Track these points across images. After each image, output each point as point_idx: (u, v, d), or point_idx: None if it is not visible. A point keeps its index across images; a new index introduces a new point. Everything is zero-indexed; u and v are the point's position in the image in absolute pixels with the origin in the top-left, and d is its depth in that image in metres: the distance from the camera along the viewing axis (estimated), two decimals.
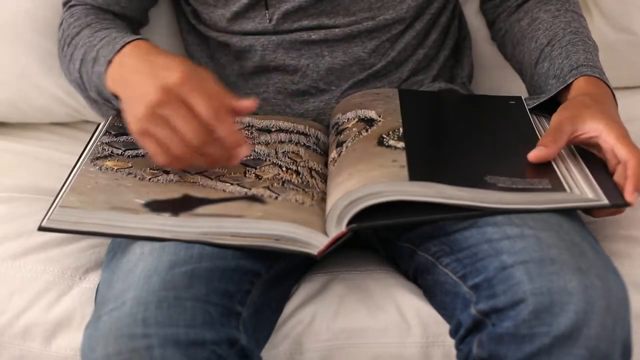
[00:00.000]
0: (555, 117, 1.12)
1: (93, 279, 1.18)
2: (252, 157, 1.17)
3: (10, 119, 1.52)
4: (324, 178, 1.16)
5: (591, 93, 1.16)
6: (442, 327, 1.11)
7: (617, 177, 1.08)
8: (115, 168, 1.14)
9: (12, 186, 1.34)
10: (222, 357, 0.97)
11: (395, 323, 1.13)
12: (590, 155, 1.13)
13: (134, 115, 1.06)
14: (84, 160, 1.16)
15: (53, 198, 1.09)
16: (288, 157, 1.18)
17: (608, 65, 1.26)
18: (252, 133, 1.22)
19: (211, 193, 1.10)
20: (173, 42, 1.46)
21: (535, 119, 1.21)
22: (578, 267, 0.99)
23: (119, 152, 1.18)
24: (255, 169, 1.15)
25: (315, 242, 1.04)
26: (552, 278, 0.98)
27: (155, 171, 1.14)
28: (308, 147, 1.21)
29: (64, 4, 1.33)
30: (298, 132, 1.24)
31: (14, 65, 1.46)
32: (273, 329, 1.12)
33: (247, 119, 1.26)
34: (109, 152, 1.17)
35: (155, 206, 1.07)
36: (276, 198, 1.10)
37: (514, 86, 1.42)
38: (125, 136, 1.21)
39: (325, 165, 1.19)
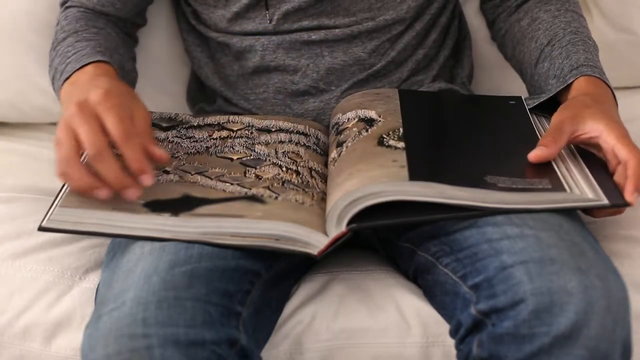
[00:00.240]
0: (556, 117, 1.12)
1: (93, 279, 1.18)
2: (252, 157, 1.17)
3: (10, 119, 1.52)
4: (324, 178, 1.16)
5: (591, 93, 1.16)
6: (442, 327, 1.11)
7: (617, 177, 1.08)
8: None
9: (12, 186, 1.34)
10: (222, 357, 0.97)
11: (395, 323, 1.13)
12: (590, 155, 1.13)
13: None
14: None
15: (53, 198, 1.09)
16: (288, 157, 1.18)
17: (608, 65, 1.26)
18: (252, 133, 1.23)
19: (211, 193, 1.10)
20: (173, 42, 1.46)
21: (535, 119, 1.21)
22: (578, 267, 0.99)
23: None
24: (255, 169, 1.15)
25: (315, 242, 1.04)
26: (552, 278, 0.98)
27: (155, 171, 1.14)
28: (308, 147, 1.21)
29: (61, 4, 1.33)
30: (298, 132, 1.24)
31: (14, 65, 1.46)
32: (273, 329, 1.12)
33: (247, 119, 1.26)
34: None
35: (155, 206, 1.07)
36: (276, 198, 1.10)
37: (514, 86, 1.42)
38: None
39: (325, 165, 1.19)
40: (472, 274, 1.04)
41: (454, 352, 1.07)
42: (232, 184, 1.12)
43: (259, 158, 1.17)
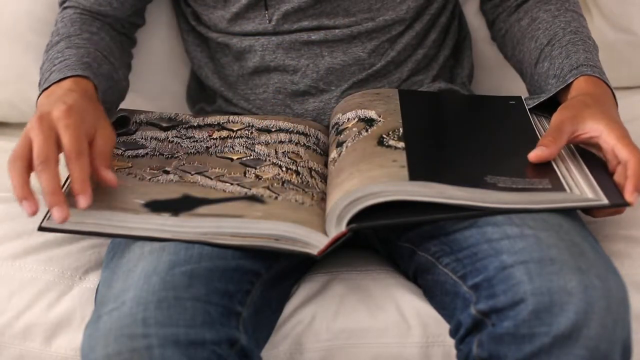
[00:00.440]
0: (556, 116, 1.12)
1: (93, 279, 1.18)
2: (252, 157, 1.17)
3: (10, 119, 1.52)
4: (324, 178, 1.16)
5: (591, 93, 1.16)
6: (442, 327, 1.11)
7: (617, 177, 1.08)
8: (116, 168, 1.14)
9: None
10: (222, 357, 0.97)
11: (395, 323, 1.13)
12: (590, 155, 1.13)
13: None
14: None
15: None
16: (288, 157, 1.18)
17: (608, 65, 1.26)
18: (252, 133, 1.23)
19: (211, 193, 1.10)
20: (173, 42, 1.46)
21: (535, 119, 1.21)
22: (578, 267, 0.99)
23: (119, 152, 1.18)
24: (255, 169, 1.15)
25: (315, 242, 1.04)
26: (552, 278, 0.98)
27: (155, 171, 1.14)
28: (308, 147, 1.21)
29: (60, 4, 1.33)
30: (298, 132, 1.24)
31: (13, 65, 1.46)
32: (273, 329, 1.12)
33: (247, 119, 1.26)
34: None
35: (155, 206, 1.07)
36: (276, 198, 1.10)
37: (514, 86, 1.42)
38: (125, 136, 1.21)
39: (325, 165, 1.19)
40: (472, 273, 1.04)
41: (454, 352, 1.07)
42: (232, 184, 1.12)
43: (258, 158, 1.17)
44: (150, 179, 1.12)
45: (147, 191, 1.10)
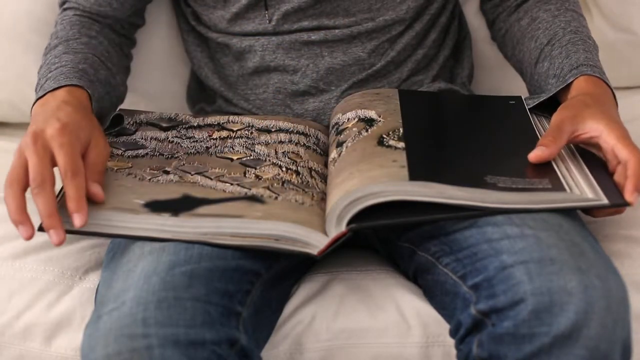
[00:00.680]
0: (556, 116, 1.12)
1: (93, 279, 1.18)
2: (252, 157, 1.17)
3: (10, 119, 1.52)
4: (324, 178, 1.16)
5: (591, 93, 1.16)
6: (442, 327, 1.11)
7: (617, 177, 1.08)
8: (115, 168, 1.14)
9: None
10: (222, 357, 0.97)
11: (395, 323, 1.13)
12: (590, 155, 1.13)
13: None
14: None
15: None
16: (288, 157, 1.18)
17: (608, 65, 1.26)
18: (252, 133, 1.23)
19: (211, 193, 1.10)
20: (173, 42, 1.46)
21: (535, 118, 1.21)
22: (578, 267, 0.99)
23: (119, 152, 1.18)
24: (255, 169, 1.15)
25: (315, 242, 1.04)
26: (552, 278, 0.98)
27: (155, 171, 1.14)
28: (308, 147, 1.21)
29: (60, 5, 1.33)
30: (298, 132, 1.24)
31: (13, 65, 1.46)
32: (273, 329, 1.12)
33: (247, 119, 1.26)
34: (110, 154, 1.17)
35: (155, 206, 1.07)
36: (276, 198, 1.10)
37: (514, 86, 1.42)
38: (125, 136, 1.21)
39: (325, 165, 1.19)
40: (472, 273, 1.04)
41: (454, 352, 1.07)
42: (232, 184, 1.12)
43: (258, 158, 1.17)
44: (150, 179, 1.12)
45: (147, 191, 1.10)
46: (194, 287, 1.00)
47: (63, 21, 1.29)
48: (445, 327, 1.10)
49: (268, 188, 1.11)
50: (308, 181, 1.14)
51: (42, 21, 1.43)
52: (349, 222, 1.03)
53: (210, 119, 1.26)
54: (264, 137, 1.22)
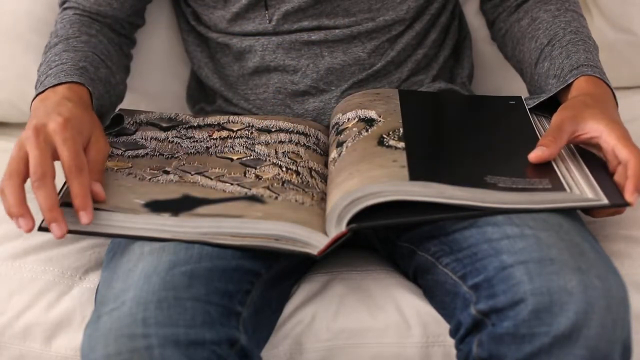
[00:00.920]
0: (556, 116, 1.12)
1: (93, 279, 1.18)
2: (252, 157, 1.17)
3: (10, 119, 1.52)
4: (324, 178, 1.16)
5: (592, 93, 1.16)
6: (442, 327, 1.11)
7: (617, 177, 1.08)
8: (115, 168, 1.14)
9: None
10: (222, 357, 0.97)
11: (395, 323, 1.13)
12: (590, 155, 1.13)
13: None
14: None
15: None
16: (288, 157, 1.18)
17: (608, 65, 1.26)
18: (252, 133, 1.23)
19: (211, 193, 1.10)
20: (173, 42, 1.46)
21: (536, 119, 1.21)
22: (578, 267, 0.99)
23: (119, 152, 1.18)
24: (255, 169, 1.15)
25: (315, 242, 1.04)
26: (552, 278, 0.98)
27: (155, 171, 1.14)
28: (308, 147, 1.21)
29: (60, 4, 1.33)
30: (298, 132, 1.24)
31: (13, 65, 1.46)
32: (273, 329, 1.12)
33: (247, 119, 1.26)
34: (109, 152, 1.17)
35: (155, 206, 1.07)
36: (276, 198, 1.10)
37: (514, 86, 1.42)
38: (125, 136, 1.21)
39: (325, 165, 1.19)
40: (472, 273, 1.04)
41: (454, 352, 1.07)
42: (232, 184, 1.12)
43: (259, 158, 1.17)
44: (150, 179, 1.12)
45: (147, 191, 1.10)
46: (194, 287, 1.00)
47: (63, 20, 1.29)
48: (445, 327, 1.10)
49: (268, 188, 1.11)
50: (308, 181, 1.14)
51: (42, 21, 1.43)
52: (349, 222, 1.03)
53: (210, 119, 1.26)
54: (264, 137, 1.22)
